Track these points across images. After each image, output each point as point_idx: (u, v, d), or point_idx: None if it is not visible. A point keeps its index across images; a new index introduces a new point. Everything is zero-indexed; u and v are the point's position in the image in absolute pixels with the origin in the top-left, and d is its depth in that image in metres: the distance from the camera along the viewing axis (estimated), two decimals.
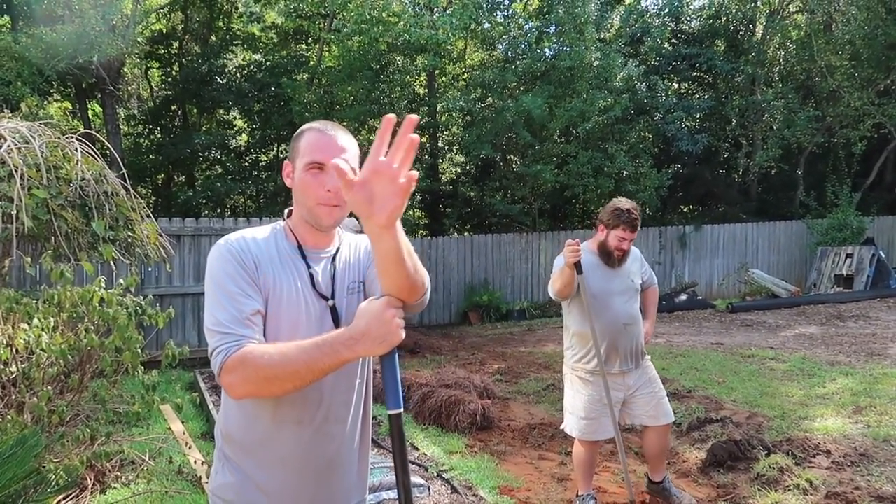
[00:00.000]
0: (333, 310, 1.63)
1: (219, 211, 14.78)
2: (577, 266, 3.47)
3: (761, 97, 16.42)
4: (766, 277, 13.46)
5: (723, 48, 17.26)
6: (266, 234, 1.66)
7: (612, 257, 3.69)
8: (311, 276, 1.63)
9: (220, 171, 15.26)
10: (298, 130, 1.68)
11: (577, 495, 3.94)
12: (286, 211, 1.73)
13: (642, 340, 3.83)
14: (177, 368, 7.25)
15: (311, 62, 14.73)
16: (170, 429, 5.40)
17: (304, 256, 1.65)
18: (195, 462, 4.48)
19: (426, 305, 1.59)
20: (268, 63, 14.76)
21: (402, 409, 1.42)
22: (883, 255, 13.59)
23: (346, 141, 1.63)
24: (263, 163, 15.76)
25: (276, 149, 15.94)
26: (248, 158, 15.80)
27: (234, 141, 15.83)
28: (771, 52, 17.86)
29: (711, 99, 16.40)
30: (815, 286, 13.76)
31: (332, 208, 1.61)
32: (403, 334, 1.39)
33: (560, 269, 3.54)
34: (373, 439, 1.74)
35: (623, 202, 3.67)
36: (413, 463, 4.62)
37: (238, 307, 1.50)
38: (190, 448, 4.73)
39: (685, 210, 17.80)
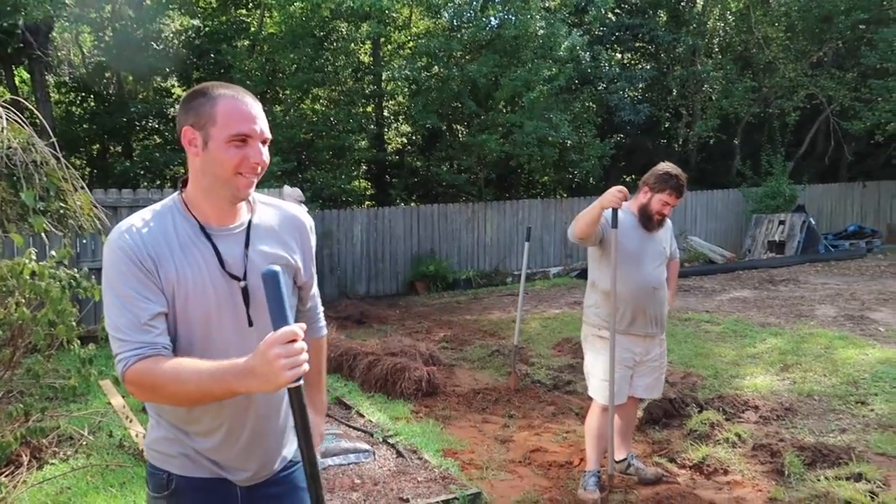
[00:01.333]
0: (245, 291, 1.54)
1: (158, 182, 14.34)
2: (614, 217, 3.42)
3: (701, 68, 16.78)
4: (703, 244, 13.91)
5: (665, 19, 17.52)
6: (161, 216, 1.53)
7: (652, 220, 3.64)
8: (219, 255, 1.52)
9: (158, 140, 14.76)
10: (199, 91, 1.52)
11: (583, 471, 3.81)
12: (180, 181, 1.59)
13: (667, 308, 3.83)
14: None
15: (252, 28, 14.30)
16: (109, 403, 5.29)
17: (207, 236, 1.53)
18: (136, 435, 4.41)
19: None
20: (206, 29, 14.26)
21: (301, 384, 1.29)
22: (813, 222, 14.21)
23: (257, 106, 1.54)
24: None
25: None
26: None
27: (172, 110, 15.30)
28: (711, 23, 18.22)
29: (653, 69, 16.68)
30: (749, 252, 14.30)
31: (253, 179, 1.52)
32: (289, 376, 1.24)
33: (591, 207, 3.41)
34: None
35: (671, 167, 3.61)
36: (359, 430, 4.67)
37: (135, 312, 1.43)
38: (131, 422, 4.65)
39: (627, 179, 18.16)
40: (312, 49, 12.60)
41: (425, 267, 12.44)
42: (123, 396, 5.54)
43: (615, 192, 3.30)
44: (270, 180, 10.28)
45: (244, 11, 15.28)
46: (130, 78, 14.91)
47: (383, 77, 14.30)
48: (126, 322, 1.42)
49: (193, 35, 14.32)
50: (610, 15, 16.62)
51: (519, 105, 13.29)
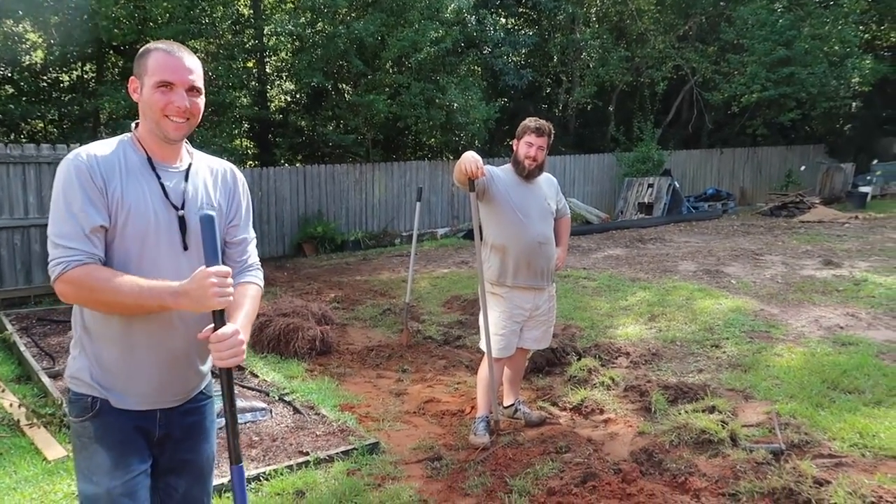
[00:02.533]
0: (182, 220, 1.76)
1: (13, 136, 13.11)
2: (471, 183, 3.57)
3: (580, 36, 17.43)
4: (581, 206, 14.67)
5: None
6: (114, 146, 1.74)
7: (521, 165, 3.82)
8: (162, 186, 1.75)
9: (12, 91, 13.42)
10: (144, 48, 1.77)
11: (474, 418, 4.03)
12: (133, 123, 1.82)
13: (554, 263, 4.02)
14: None
15: None
16: None
17: (153, 168, 1.75)
18: (10, 405, 4.18)
19: None
20: None
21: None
22: (678, 185, 15.35)
23: (193, 62, 1.76)
24: (66, 83, 14.09)
25: (79, 68, 14.28)
26: (46, 78, 14.00)
27: (27, 58, 13.93)
28: None
29: (536, 35, 17.12)
30: (622, 213, 15.26)
31: (180, 123, 1.74)
32: (219, 302, 1.57)
33: (458, 165, 3.54)
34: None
35: (530, 118, 3.89)
36: (254, 389, 4.67)
37: (80, 222, 1.62)
38: (3, 391, 4.39)
39: (511, 143, 18.66)
40: None
41: (313, 228, 12.30)
42: None
43: (471, 161, 3.46)
44: None
45: None
46: None
47: (265, 31, 13.74)
48: (70, 230, 1.61)
49: None
50: None
51: (406, 66, 13.26)
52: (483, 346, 3.94)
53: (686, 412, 4.08)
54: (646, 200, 14.94)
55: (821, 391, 4.38)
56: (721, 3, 17.53)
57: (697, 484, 3.33)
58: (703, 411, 4.08)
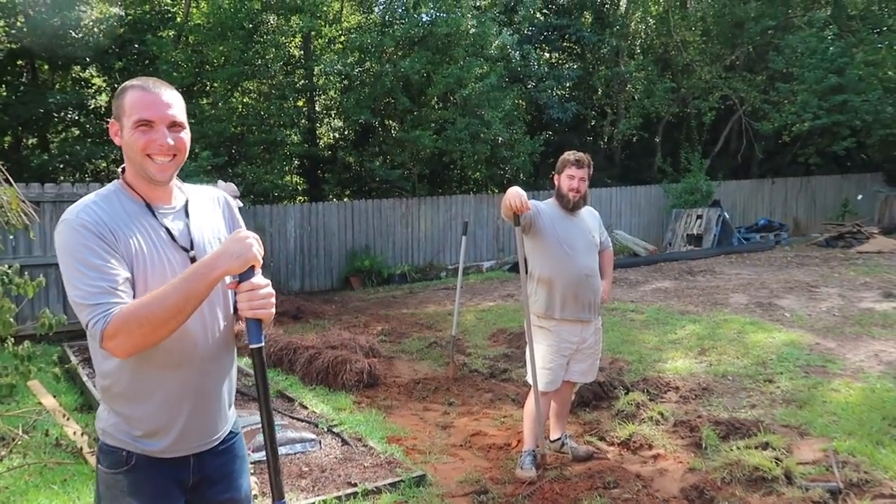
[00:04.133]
0: (193, 260, 1.70)
1: (77, 176, 13.79)
2: (517, 218, 3.64)
3: (624, 68, 17.48)
4: (627, 238, 14.53)
5: (590, 20, 18.12)
6: (109, 198, 1.68)
7: (566, 198, 3.88)
8: (168, 230, 1.71)
9: (78, 133, 14.17)
10: (120, 88, 1.72)
11: (521, 452, 4.03)
12: (120, 169, 1.76)
13: (600, 295, 4.03)
14: (41, 343, 6.87)
15: (178, 18, 13.93)
16: (40, 403, 5.17)
17: (153, 213, 1.71)
18: (74, 433, 4.36)
19: None
20: (129, 18, 13.78)
21: (262, 344, 1.62)
22: (727, 216, 15.06)
23: (171, 96, 1.70)
24: None
25: None
26: (109, 120, 14.77)
27: (93, 101, 14.72)
28: (633, 25, 18.99)
29: (580, 69, 17.23)
30: (670, 245, 15.03)
31: (165, 163, 1.68)
32: (257, 251, 1.57)
33: (504, 201, 3.61)
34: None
35: (568, 152, 3.99)
36: (303, 420, 4.76)
37: (107, 279, 1.55)
38: (67, 419, 4.58)
39: (552, 177, 18.69)
40: (242, 41, 12.41)
41: (360, 262, 12.50)
42: (54, 396, 5.42)
43: (515, 196, 3.52)
44: (201, 175, 10.11)
45: (169, 1, 14.87)
46: (46, 67, 14.26)
47: (315, 71, 14.22)
48: (97, 289, 1.53)
49: (115, 24, 13.82)
50: (538, 15, 17.08)
51: (452, 101, 13.51)
52: (529, 379, 3.94)
53: (738, 448, 3.99)
54: (695, 232, 14.70)
55: (881, 428, 4.22)
56: (769, 32, 17.35)
57: None
58: (757, 448, 3.98)
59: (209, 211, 1.83)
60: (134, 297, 1.60)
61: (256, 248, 1.57)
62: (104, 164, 14.84)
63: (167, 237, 1.69)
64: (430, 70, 13.02)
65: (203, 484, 1.81)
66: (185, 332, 1.63)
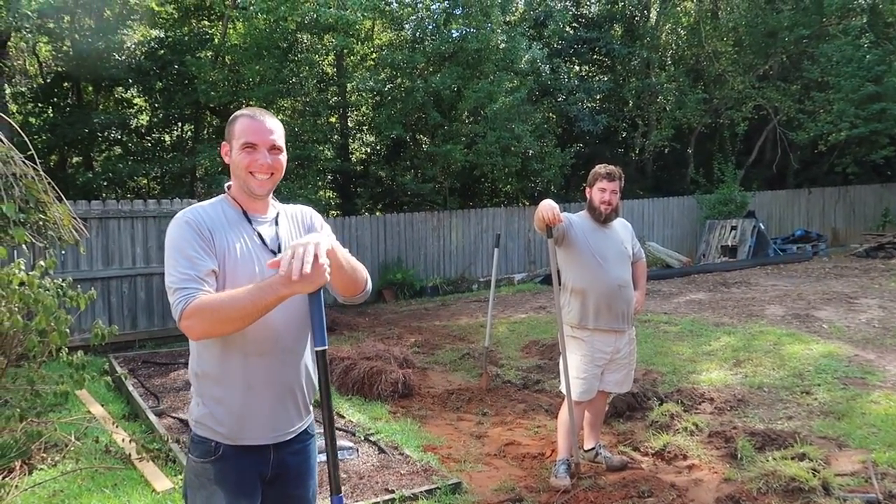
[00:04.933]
0: None
1: (119, 192, 14.24)
2: (549, 230, 3.72)
3: (655, 80, 17.42)
4: (661, 249, 14.43)
5: (620, 32, 18.13)
6: (213, 205, 1.97)
7: (598, 211, 3.95)
8: (259, 235, 1.96)
9: (120, 151, 14.65)
10: (232, 116, 1.99)
11: (555, 461, 4.08)
12: (226, 185, 2.04)
13: (633, 306, 4.08)
14: (88, 354, 7.11)
15: (216, 40, 14.34)
16: (89, 412, 5.37)
17: (249, 220, 1.97)
18: (122, 440, 4.53)
19: (368, 295, 2.11)
20: (169, 40, 14.23)
21: (326, 346, 1.78)
22: (763, 227, 14.87)
23: (273, 124, 1.96)
24: (167, 143, 15.25)
25: (180, 128, 15.45)
26: (150, 139, 15.22)
27: (135, 121, 15.21)
28: (664, 37, 18.93)
29: (610, 81, 17.22)
30: (703, 256, 14.88)
31: (263, 179, 1.94)
32: (328, 278, 1.75)
33: (536, 213, 3.69)
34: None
35: (599, 165, 4.07)
36: (341, 429, 4.86)
37: (195, 267, 1.80)
38: (116, 427, 4.75)
39: (584, 190, 18.66)
40: (277, 60, 12.71)
41: (393, 275, 12.64)
42: (102, 405, 5.62)
43: (548, 209, 3.58)
44: None
45: (207, 23, 15.31)
46: (90, 88, 14.79)
47: (347, 88, 14.48)
48: (186, 276, 1.78)
49: (156, 46, 14.29)
50: (568, 29, 17.14)
51: (482, 116, 13.63)
52: (563, 389, 3.99)
53: (774, 459, 3.98)
54: (729, 243, 14.54)
55: None
56: (803, 41, 17.16)
57: None
58: (793, 459, 3.96)
59: (297, 223, 2.08)
60: (222, 288, 1.83)
61: (327, 274, 1.74)
62: (145, 182, 15.31)
63: (259, 241, 1.94)
64: (460, 85, 13.17)
65: (279, 479, 2.00)
66: (267, 322, 1.81)
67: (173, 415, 5.38)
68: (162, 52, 13.98)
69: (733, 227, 14.71)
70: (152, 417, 5.01)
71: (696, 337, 7.44)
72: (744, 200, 15.68)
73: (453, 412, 5.49)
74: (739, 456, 4.14)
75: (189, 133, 15.25)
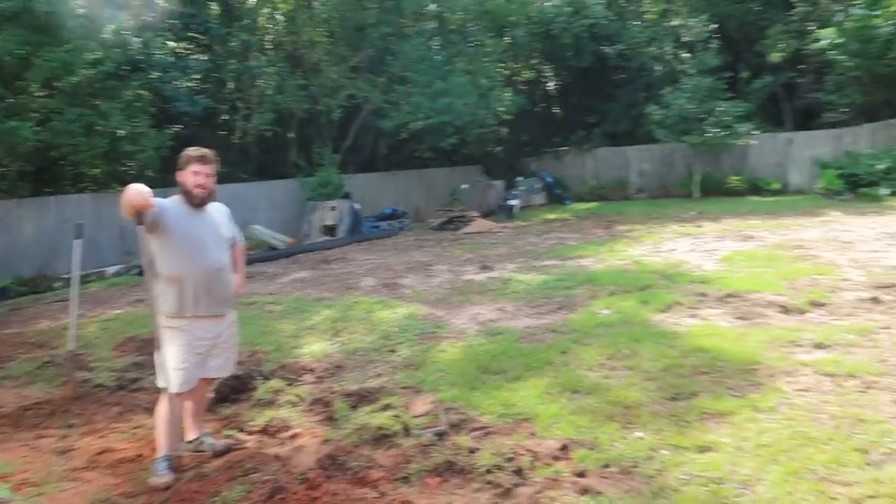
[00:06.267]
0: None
1: None
2: (140, 217, 3.50)
3: (255, 63, 17.45)
4: (265, 232, 14.65)
5: (218, 12, 17.64)
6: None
7: (191, 194, 3.84)
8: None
9: None
10: None
11: (154, 459, 3.86)
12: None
13: (233, 289, 4.04)
14: None
15: None
16: None
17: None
18: None
19: None
20: None
21: None
22: (358, 207, 16.26)
23: None
24: None
25: None
26: None
27: None
28: (263, 21, 19.04)
29: (209, 61, 16.67)
30: (307, 236, 15.63)
31: None
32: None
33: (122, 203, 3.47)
34: None
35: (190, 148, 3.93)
36: None
37: None
38: None
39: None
40: None
41: None
42: None
43: (136, 193, 3.43)
44: None
45: None
46: None
47: None
48: None
49: None
50: (160, 1, 15.99)
51: (58, 89, 11.90)
52: (161, 382, 3.82)
53: (366, 414, 4.43)
54: (329, 223, 15.54)
55: (475, 376, 5.11)
56: (388, 38, 19.07)
57: (375, 475, 3.66)
58: (381, 410, 4.47)
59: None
60: None
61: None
62: None
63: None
64: (29, 52, 11.25)
65: None
66: None
67: None
68: None
69: (333, 208, 15.75)
70: None
71: (300, 313, 7.80)
72: (341, 182, 16.90)
73: (30, 431, 4.74)
74: (337, 417, 4.50)
75: None
